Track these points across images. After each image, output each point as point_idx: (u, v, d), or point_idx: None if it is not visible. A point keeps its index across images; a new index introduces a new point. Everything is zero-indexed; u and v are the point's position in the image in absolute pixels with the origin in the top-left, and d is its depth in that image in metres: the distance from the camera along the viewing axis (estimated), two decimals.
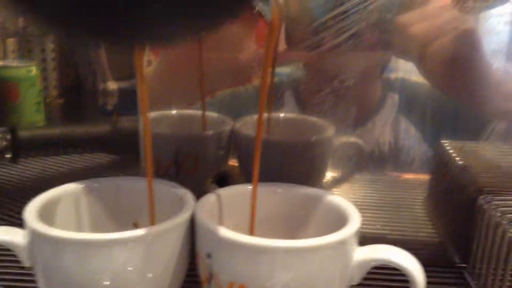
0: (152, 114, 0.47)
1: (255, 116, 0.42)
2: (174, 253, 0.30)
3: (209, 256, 0.29)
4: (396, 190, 0.52)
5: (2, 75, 0.74)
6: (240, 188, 0.35)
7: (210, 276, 0.29)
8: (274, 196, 0.36)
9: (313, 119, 0.47)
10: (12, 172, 0.57)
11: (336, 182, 0.49)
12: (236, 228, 0.31)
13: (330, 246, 0.28)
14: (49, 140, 0.57)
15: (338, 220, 0.32)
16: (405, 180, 0.52)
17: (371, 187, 0.53)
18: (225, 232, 0.28)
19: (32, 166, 0.57)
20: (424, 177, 0.50)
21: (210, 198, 0.33)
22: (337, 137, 0.46)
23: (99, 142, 0.57)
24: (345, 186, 0.50)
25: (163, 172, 0.46)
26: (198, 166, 0.47)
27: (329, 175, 0.48)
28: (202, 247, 0.30)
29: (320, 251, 0.28)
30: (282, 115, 0.48)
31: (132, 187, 0.36)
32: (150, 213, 0.32)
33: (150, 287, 0.30)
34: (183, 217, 0.30)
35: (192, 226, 0.31)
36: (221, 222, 0.33)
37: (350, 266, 0.30)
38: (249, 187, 0.34)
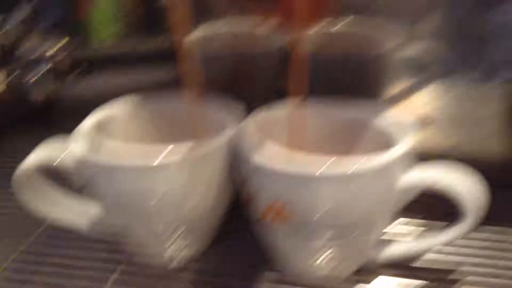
0: (203, 33, 0.46)
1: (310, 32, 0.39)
2: (214, 174, 0.31)
3: (245, 181, 0.29)
4: (471, 101, 0.48)
5: None
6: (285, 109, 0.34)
7: (250, 198, 0.30)
8: (321, 117, 0.34)
9: (371, 32, 0.43)
10: (82, 87, 0.59)
11: (401, 96, 0.46)
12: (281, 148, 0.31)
13: (371, 171, 0.27)
14: (119, 55, 0.57)
15: (387, 142, 0.30)
16: (482, 91, 0.47)
17: (443, 98, 0.49)
18: (259, 159, 0.28)
19: (101, 81, 0.59)
20: (504, 87, 0.45)
21: (255, 119, 0.32)
22: (401, 49, 0.43)
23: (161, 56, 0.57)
24: (413, 98, 0.47)
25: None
26: (252, 87, 0.45)
27: (393, 88, 0.45)
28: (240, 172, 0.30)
29: (360, 178, 0.27)
30: (337, 28, 0.45)
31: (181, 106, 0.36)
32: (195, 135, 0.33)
33: (193, 206, 0.31)
34: (222, 140, 0.30)
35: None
36: (265, 143, 0.33)
37: (394, 192, 0.28)
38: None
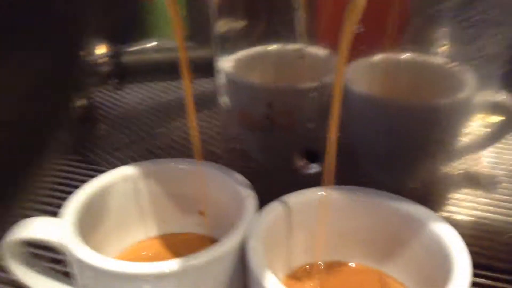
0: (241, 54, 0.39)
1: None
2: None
3: None
4: None
5: None
6: (312, 193, 0.27)
7: None
8: (355, 208, 0.27)
9: (447, 64, 0.33)
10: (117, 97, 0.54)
11: (472, 149, 0.37)
12: (307, 254, 0.24)
13: None
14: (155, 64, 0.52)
15: (439, 259, 0.23)
16: None
17: None
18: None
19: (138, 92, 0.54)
20: None
21: (270, 214, 0.26)
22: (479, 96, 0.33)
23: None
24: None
25: (256, 126, 0.39)
26: (294, 123, 0.39)
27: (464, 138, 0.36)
28: None
29: None
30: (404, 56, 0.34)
31: (193, 172, 0.30)
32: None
33: None
34: (229, 245, 0.24)
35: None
36: (283, 251, 0.26)
37: None
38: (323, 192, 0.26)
